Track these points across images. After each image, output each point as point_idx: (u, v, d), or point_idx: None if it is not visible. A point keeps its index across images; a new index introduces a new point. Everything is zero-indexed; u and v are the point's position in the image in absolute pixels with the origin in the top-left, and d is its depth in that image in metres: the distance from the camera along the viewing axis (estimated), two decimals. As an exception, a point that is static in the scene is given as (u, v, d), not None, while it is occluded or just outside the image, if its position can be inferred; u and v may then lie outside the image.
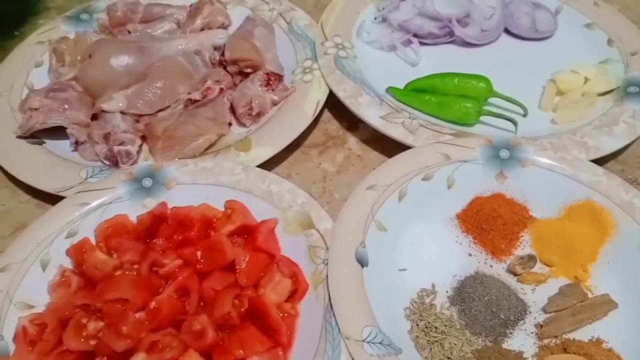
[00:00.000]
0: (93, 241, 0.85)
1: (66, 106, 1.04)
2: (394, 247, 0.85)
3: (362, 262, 0.80)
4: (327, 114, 1.12)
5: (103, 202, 0.88)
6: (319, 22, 1.21)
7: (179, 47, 1.15)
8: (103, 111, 1.03)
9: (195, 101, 1.02)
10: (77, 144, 1.01)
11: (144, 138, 1.03)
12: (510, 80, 1.09)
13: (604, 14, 1.24)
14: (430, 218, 0.89)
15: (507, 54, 1.21)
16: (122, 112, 1.04)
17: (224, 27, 1.24)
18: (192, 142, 1.00)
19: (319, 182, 1.00)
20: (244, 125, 1.06)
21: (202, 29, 1.21)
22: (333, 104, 1.08)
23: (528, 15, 1.25)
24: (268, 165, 0.98)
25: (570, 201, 0.89)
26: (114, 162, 0.98)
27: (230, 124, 1.06)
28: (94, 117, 1.04)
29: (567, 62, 1.13)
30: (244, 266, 0.78)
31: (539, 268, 0.85)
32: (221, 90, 1.04)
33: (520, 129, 1.01)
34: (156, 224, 0.85)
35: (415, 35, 1.21)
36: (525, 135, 1.00)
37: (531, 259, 0.84)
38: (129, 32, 1.20)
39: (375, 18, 1.26)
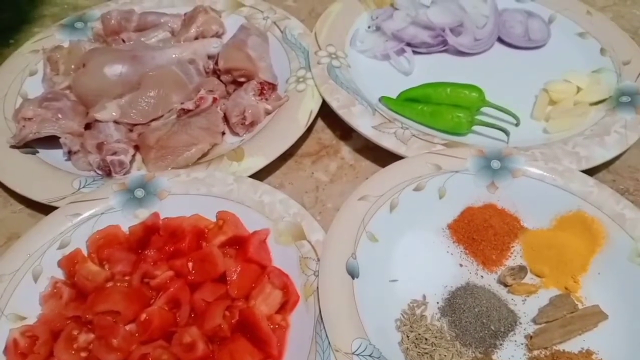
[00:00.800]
0: (85, 252, 0.85)
1: (60, 116, 1.04)
2: (385, 258, 0.85)
3: (353, 274, 0.80)
4: (320, 123, 1.12)
5: (95, 212, 0.88)
6: (312, 31, 1.21)
7: (173, 56, 1.15)
8: (96, 120, 1.03)
9: (189, 110, 1.03)
10: (70, 153, 1.01)
11: (137, 147, 1.03)
12: (503, 89, 1.09)
13: (597, 23, 1.25)
14: (422, 228, 0.90)
15: (500, 62, 1.21)
16: (116, 122, 1.04)
17: (218, 35, 1.24)
18: (185, 151, 1.00)
19: (311, 192, 1.01)
20: (237, 134, 1.07)
21: (196, 38, 1.21)
22: (326, 113, 1.08)
23: (521, 24, 1.25)
24: (261, 174, 0.98)
25: (561, 212, 0.89)
26: (107, 172, 0.98)
27: (223, 133, 1.06)
28: (88, 126, 1.05)
29: (560, 71, 1.14)
30: (235, 277, 0.79)
31: (529, 279, 0.86)
32: (214, 99, 1.05)
33: (512, 139, 1.01)
34: (148, 235, 0.85)
35: (408, 44, 1.22)
36: (518, 144, 1.00)
37: (522, 269, 0.85)
38: (123, 40, 1.21)
39: (368, 27, 1.26)
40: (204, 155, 1.02)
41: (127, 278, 0.81)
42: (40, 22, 1.39)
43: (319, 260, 0.81)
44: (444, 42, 1.21)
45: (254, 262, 0.81)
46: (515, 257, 0.88)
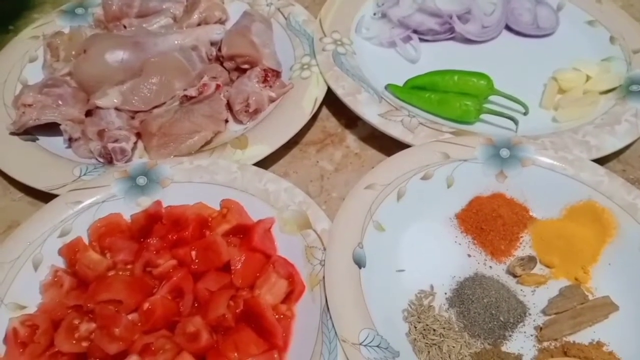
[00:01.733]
0: (86, 240, 0.83)
1: (60, 102, 1.02)
2: (392, 247, 0.84)
3: (360, 263, 0.78)
4: (325, 111, 1.11)
5: (97, 200, 0.87)
6: (317, 18, 1.19)
7: (175, 42, 1.13)
8: (97, 107, 1.01)
9: (191, 97, 1.01)
10: (71, 140, 1.00)
11: (139, 135, 1.02)
12: (511, 78, 1.07)
13: (607, 11, 1.23)
14: (429, 218, 0.88)
15: (508, 51, 1.19)
16: (117, 109, 1.02)
17: (221, 22, 1.22)
18: (188, 139, 0.98)
19: (316, 181, 0.99)
20: (240, 122, 1.05)
21: (198, 24, 1.19)
22: (331, 100, 1.06)
23: (529, 12, 1.23)
24: (265, 163, 0.97)
25: (571, 201, 0.87)
26: (108, 159, 0.96)
27: (226, 121, 1.05)
28: (89, 113, 1.03)
29: (569, 60, 1.12)
30: (239, 267, 0.77)
31: (539, 269, 0.84)
32: (217, 86, 1.03)
33: (521, 128, 1.00)
34: (150, 223, 0.83)
35: (415, 32, 1.19)
36: (526, 133, 0.98)
37: (531, 260, 0.83)
38: (125, 26, 1.19)
39: (374, 14, 1.24)
40: (207, 143, 1.00)
41: (129, 267, 0.80)
42: (40, 8, 1.37)
43: (325, 249, 0.80)
44: (451, 30, 1.19)
45: (259, 251, 0.79)
46: (524, 247, 0.86)
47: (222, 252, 0.78)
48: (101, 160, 0.97)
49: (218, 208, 0.86)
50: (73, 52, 1.13)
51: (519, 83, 1.07)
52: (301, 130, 1.00)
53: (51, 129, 1.01)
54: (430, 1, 1.19)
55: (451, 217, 0.89)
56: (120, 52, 1.08)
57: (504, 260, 0.85)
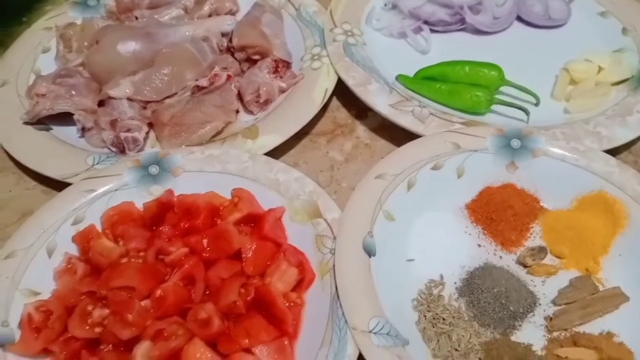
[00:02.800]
0: (99, 228, 0.84)
1: (73, 92, 1.03)
2: (402, 237, 0.84)
3: (370, 252, 0.79)
4: (335, 102, 1.11)
5: (109, 189, 0.87)
6: (327, 9, 1.19)
7: (187, 33, 1.14)
8: (110, 97, 1.02)
9: (203, 88, 1.01)
10: (84, 130, 1.01)
11: (150, 125, 1.02)
12: (523, 69, 1.07)
13: (619, 2, 1.22)
14: (440, 208, 0.88)
15: (520, 42, 1.19)
16: (129, 99, 1.03)
17: (231, 13, 1.23)
18: (199, 129, 0.99)
19: (326, 171, 0.99)
20: (251, 112, 1.05)
21: (209, 15, 1.20)
22: (341, 91, 1.06)
23: (541, 3, 1.23)
24: (276, 153, 0.97)
25: (582, 192, 0.87)
26: (121, 148, 0.97)
27: (237, 111, 1.05)
28: (101, 103, 1.04)
29: (580, 51, 1.11)
30: (250, 255, 0.78)
31: (549, 260, 0.84)
32: (228, 77, 1.03)
33: (532, 119, 0.99)
34: (162, 212, 0.84)
35: (425, 23, 1.19)
36: (538, 124, 0.98)
37: (542, 250, 0.83)
38: (136, 18, 1.19)
39: (385, 5, 1.24)
40: (218, 133, 1.01)
41: (141, 254, 0.80)
42: (53, 0, 1.37)
43: (335, 238, 0.80)
44: (462, 21, 1.19)
45: (270, 239, 0.80)
46: (535, 237, 0.86)
47: (234, 241, 0.78)
48: (114, 149, 0.97)
49: (229, 197, 0.87)
50: (85, 43, 1.14)
51: (530, 74, 1.07)
52: (311, 120, 1.01)
53: (64, 118, 1.01)
54: (441, -8, 1.19)
55: (461, 207, 0.89)
56: (132, 43, 1.09)
57: (515, 250, 0.85)
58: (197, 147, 0.94)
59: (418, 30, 1.19)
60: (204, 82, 1.02)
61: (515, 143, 0.91)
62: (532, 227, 0.87)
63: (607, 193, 0.86)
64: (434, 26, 1.19)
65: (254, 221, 0.83)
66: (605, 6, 1.21)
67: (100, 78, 1.08)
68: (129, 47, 1.09)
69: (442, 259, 0.83)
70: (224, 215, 0.84)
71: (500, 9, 1.20)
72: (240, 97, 1.06)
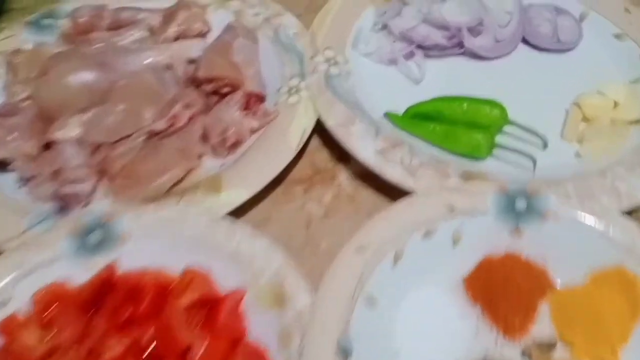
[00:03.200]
0: (29, 311, 0.71)
1: (16, 134, 0.90)
2: (386, 325, 0.71)
3: (346, 352, 0.66)
4: (315, 141, 0.97)
5: (42, 261, 0.74)
6: (309, 29, 1.05)
7: (149, 59, 1.01)
8: (54, 141, 0.89)
9: (160, 132, 0.88)
10: (24, 180, 0.87)
11: (102, 172, 0.89)
12: (528, 102, 0.94)
13: (637, 21, 1.07)
14: (431, 283, 0.75)
15: (525, 69, 1.05)
16: (78, 141, 0.89)
17: (201, 34, 1.09)
18: (156, 179, 0.86)
19: (302, 229, 0.86)
20: (217, 156, 0.92)
21: (176, 38, 1.06)
22: (322, 128, 0.93)
23: (549, 23, 1.08)
24: (243, 205, 0.84)
25: (598, 266, 0.74)
26: (63, 205, 0.84)
27: (201, 156, 0.92)
28: (47, 146, 0.90)
29: (593, 79, 0.99)
30: (200, 355, 0.65)
31: (560, 348, 0.71)
32: (190, 117, 0.90)
33: (540, 163, 0.87)
34: (101, 292, 0.71)
35: (419, 47, 1.05)
36: (546, 172, 0.85)
37: (551, 345, 0.70)
38: (93, 41, 1.05)
39: (374, 24, 1.10)
40: (178, 181, 0.88)
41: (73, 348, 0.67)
42: (8, 15, 1.23)
43: (304, 334, 0.67)
44: (460, 44, 1.05)
45: (225, 334, 0.67)
46: (543, 320, 0.73)
47: (179, 337, 0.65)
48: (55, 205, 0.84)
49: (182, 268, 0.73)
50: (33, 75, 1.00)
51: (537, 108, 0.94)
52: (286, 166, 0.87)
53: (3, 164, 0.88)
54: (437, 11, 1.05)
55: (457, 281, 0.76)
56: (85, 74, 0.96)
57: (519, 338, 0.72)
58: (150, 207, 0.80)
59: (410, 55, 1.05)
60: (161, 125, 0.88)
61: (521, 204, 0.78)
62: (539, 308, 0.74)
63: (626, 269, 0.73)
64: (429, 51, 1.05)
65: (209, 306, 0.70)
66: (621, 27, 1.07)
67: (48, 114, 0.94)
68: (81, 78, 0.96)
69: (433, 351, 0.70)
70: (174, 295, 0.71)
71: (503, 31, 1.06)
72: (204, 137, 0.92)
